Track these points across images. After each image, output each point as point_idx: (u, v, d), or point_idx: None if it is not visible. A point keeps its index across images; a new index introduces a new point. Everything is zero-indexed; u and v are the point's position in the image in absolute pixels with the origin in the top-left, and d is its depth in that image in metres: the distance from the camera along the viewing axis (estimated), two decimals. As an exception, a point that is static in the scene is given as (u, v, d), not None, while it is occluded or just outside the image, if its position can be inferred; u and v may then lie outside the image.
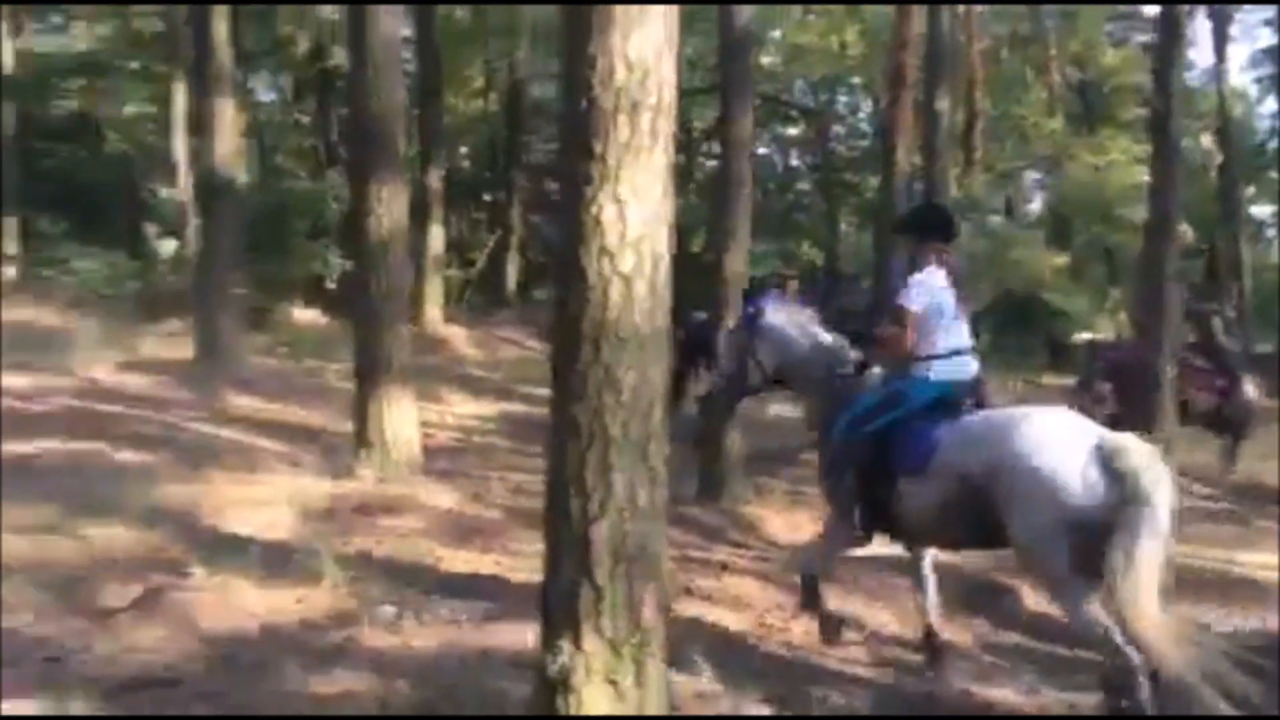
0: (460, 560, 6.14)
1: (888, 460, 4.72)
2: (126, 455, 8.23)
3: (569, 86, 2.99)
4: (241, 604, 5.22)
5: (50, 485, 7.01)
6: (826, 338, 5.32)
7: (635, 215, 2.93)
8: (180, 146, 19.38)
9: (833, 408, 5.08)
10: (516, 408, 12.37)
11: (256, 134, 22.85)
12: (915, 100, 14.61)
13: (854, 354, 5.20)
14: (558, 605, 2.91)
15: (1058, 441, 4.16)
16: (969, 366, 4.95)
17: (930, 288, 4.90)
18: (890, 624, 5.69)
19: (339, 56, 21.56)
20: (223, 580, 5.38)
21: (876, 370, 5.11)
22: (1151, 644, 3.82)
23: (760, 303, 5.54)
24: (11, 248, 18.94)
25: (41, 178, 20.71)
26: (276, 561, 5.62)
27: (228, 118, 12.39)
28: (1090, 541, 3.93)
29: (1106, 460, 4.01)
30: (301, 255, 19.55)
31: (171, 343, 14.94)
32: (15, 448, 8.43)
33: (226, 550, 5.84)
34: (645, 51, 2.89)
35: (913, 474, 4.61)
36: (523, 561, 6.11)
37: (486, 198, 25.80)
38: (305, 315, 18.75)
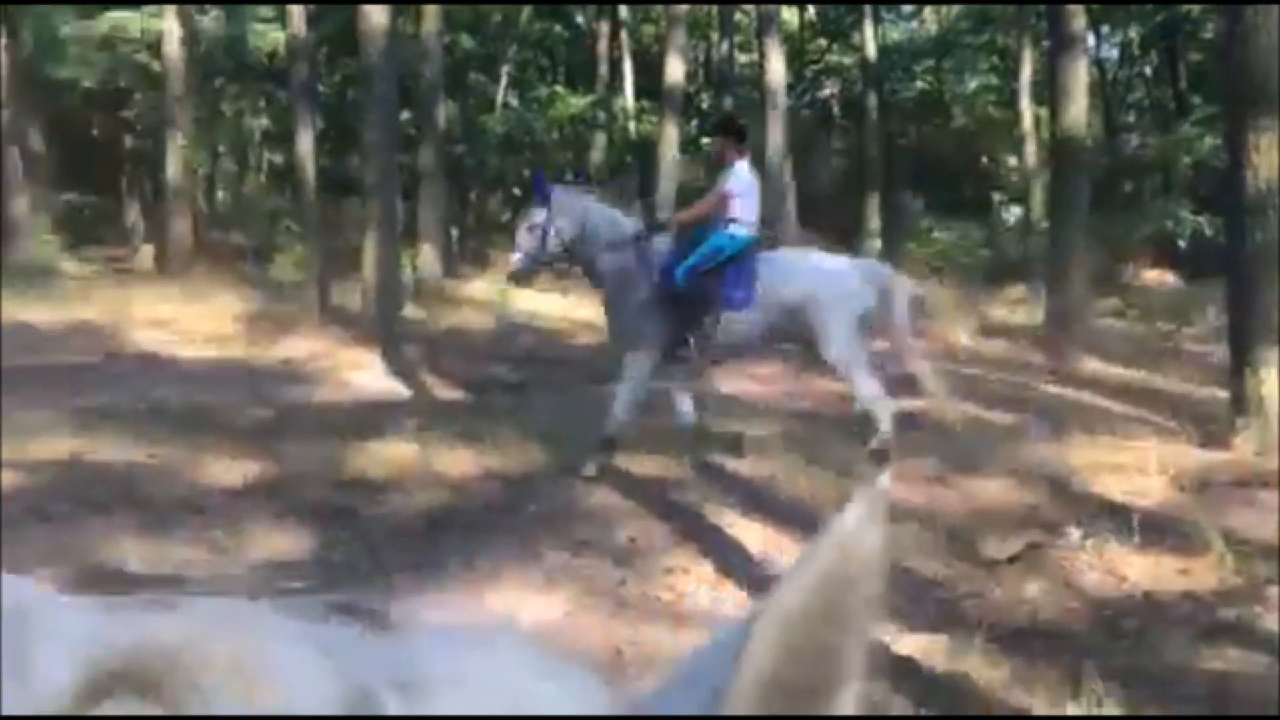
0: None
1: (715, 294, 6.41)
2: (991, 415, 8.63)
3: None
4: (1120, 569, 5.21)
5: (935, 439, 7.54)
6: (613, 211, 6.87)
7: None
8: (1026, 115, 19.75)
9: (632, 267, 6.54)
10: None
11: (1101, 93, 22.36)
12: None
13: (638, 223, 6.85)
14: None
15: (845, 271, 6.60)
16: (755, 231, 6.74)
17: (742, 175, 6.69)
18: None
19: None
20: (1098, 543, 5.40)
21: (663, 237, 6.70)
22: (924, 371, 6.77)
23: (549, 185, 6.88)
24: (874, 222, 21.02)
25: (897, 156, 22.66)
26: (1153, 530, 5.49)
27: (1080, 81, 12.24)
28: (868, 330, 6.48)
29: (869, 278, 6.55)
30: (1150, 214, 18.77)
31: (1015, 308, 15.37)
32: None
33: (1100, 514, 5.85)
34: None
35: (741, 304, 6.38)
36: None
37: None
38: (1153, 276, 17.99)
